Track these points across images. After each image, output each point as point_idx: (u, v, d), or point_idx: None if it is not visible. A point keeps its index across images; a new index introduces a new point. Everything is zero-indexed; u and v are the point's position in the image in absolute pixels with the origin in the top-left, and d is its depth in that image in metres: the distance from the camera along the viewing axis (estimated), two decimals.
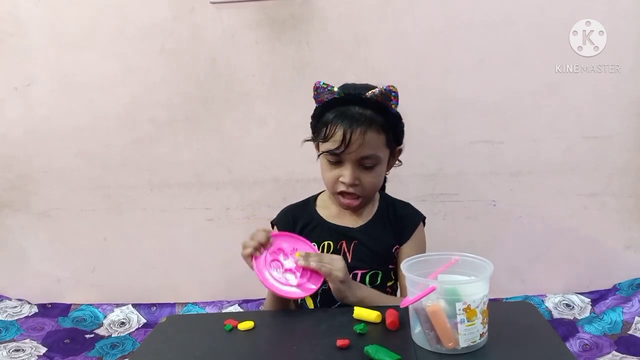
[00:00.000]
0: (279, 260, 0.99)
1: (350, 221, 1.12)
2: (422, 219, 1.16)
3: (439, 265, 0.84)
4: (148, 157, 1.91)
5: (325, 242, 1.10)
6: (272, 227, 1.18)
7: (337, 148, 1.01)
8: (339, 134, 1.00)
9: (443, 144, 1.80)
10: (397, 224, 1.13)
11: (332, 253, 1.09)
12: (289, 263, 0.99)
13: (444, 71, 1.77)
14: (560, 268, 1.86)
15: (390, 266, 1.11)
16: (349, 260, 1.08)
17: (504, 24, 1.73)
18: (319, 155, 1.09)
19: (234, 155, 1.88)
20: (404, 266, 0.81)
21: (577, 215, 1.83)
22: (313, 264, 0.95)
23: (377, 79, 1.86)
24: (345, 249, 1.09)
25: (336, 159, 1.04)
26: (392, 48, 1.77)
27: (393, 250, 1.11)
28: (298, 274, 0.97)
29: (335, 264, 0.97)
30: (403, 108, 1.76)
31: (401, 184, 1.83)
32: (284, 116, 1.84)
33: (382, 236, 1.11)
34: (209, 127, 1.87)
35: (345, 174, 1.03)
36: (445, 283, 0.78)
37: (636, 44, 1.71)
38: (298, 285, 0.96)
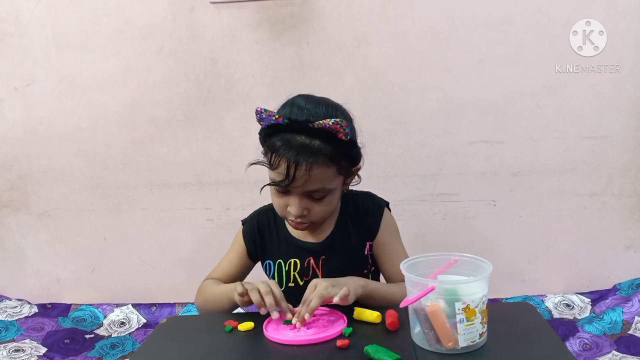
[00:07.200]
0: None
1: (314, 236, 1.08)
2: (385, 204, 1.12)
3: (438, 265, 0.84)
4: (148, 157, 1.91)
5: (292, 260, 1.08)
6: (243, 225, 1.15)
7: (282, 181, 0.93)
8: (283, 167, 0.92)
9: (443, 144, 1.80)
10: (364, 218, 1.09)
11: (299, 271, 1.06)
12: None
13: (444, 71, 1.77)
14: (560, 268, 1.86)
15: (365, 271, 1.08)
16: (320, 277, 1.05)
17: (504, 24, 1.73)
18: (263, 186, 1.00)
19: (234, 155, 1.88)
20: (403, 266, 0.81)
21: (577, 215, 1.82)
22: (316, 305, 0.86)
23: (377, 79, 1.86)
24: (314, 266, 1.06)
25: (283, 189, 0.96)
26: (392, 48, 1.76)
27: (366, 252, 1.08)
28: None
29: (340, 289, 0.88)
30: (403, 108, 1.77)
31: (401, 184, 1.83)
32: None
33: (350, 241, 1.07)
34: (209, 127, 1.87)
35: (292, 205, 0.97)
36: (444, 283, 0.78)
37: (636, 44, 1.71)
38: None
